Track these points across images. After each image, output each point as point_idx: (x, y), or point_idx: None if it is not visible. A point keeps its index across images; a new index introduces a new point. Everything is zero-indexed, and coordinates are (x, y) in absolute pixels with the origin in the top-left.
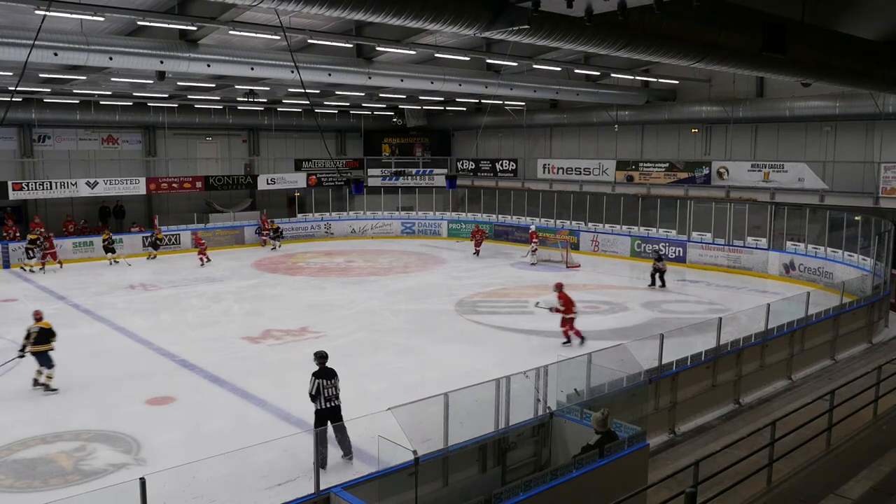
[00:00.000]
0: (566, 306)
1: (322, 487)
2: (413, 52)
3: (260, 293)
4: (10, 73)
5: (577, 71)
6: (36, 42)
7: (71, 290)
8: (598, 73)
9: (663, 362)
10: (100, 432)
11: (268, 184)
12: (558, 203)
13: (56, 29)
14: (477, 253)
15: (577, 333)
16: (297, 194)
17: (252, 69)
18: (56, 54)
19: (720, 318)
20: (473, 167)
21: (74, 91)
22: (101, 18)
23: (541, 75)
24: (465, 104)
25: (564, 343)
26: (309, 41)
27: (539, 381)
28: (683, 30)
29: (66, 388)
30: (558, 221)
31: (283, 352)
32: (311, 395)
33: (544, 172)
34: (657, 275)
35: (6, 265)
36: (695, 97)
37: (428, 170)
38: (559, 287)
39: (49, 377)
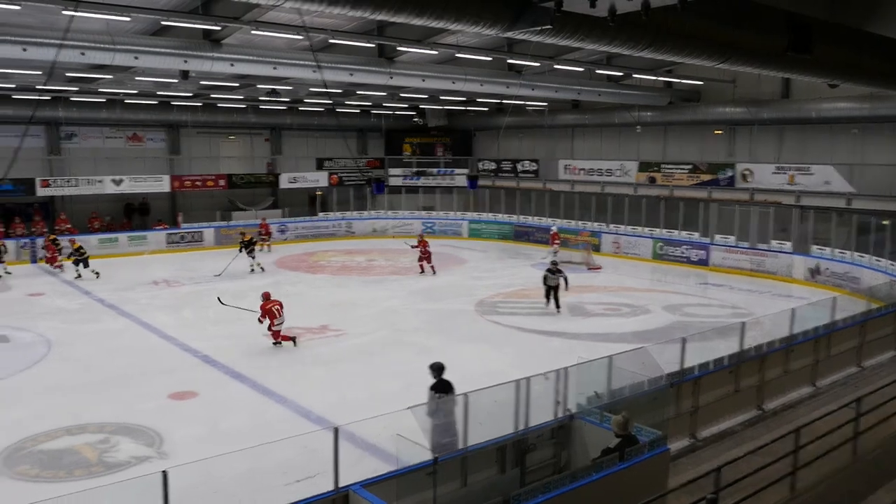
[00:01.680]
0: (269, 317)
1: (341, 484)
2: (434, 52)
3: (281, 291)
4: (39, 73)
5: (599, 71)
6: (63, 42)
7: (96, 286)
8: (620, 74)
9: (685, 366)
10: (123, 425)
11: (289, 182)
12: (579, 204)
13: (83, 29)
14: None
15: (282, 337)
16: (318, 193)
17: (274, 69)
18: (83, 54)
19: (743, 323)
20: (494, 167)
21: (100, 90)
22: (128, 18)
23: (562, 76)
24: (486, 104)
25: (275, 343)
26: (331, 41)
27: (559, 382)
28: (707, 30)
29: (91, 382)
30: (579, 223)
31: (303, 349)
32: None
33: (565, 173)
34: (552, 292)
35: (33, 260)
36: (719, 98)
37: (449, 170)
38: (266, 296)
39: None
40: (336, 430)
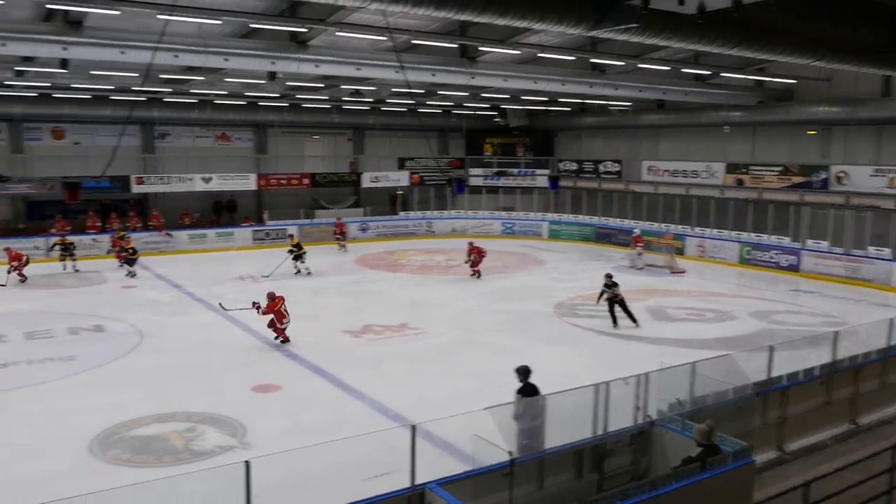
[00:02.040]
0: (277, 318)
1: (417, 482)
2: (517, 52)
3: (361, 289)
4: (136, 75)
5: (685, 70)
6: (159, 45)
7: (186, 280)
8: (708, 73)
9: (773, 375)
10: (209, 415)
11: (371, 182)
12: (663, 206)
13: (177, 32)
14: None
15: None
16: (399, 192)
17: (358, 69)
18: (177, 56)
19: (836, 332)
20: (576, 168)
21: (191, 91)
22: (219, 22)
23: (647, 75)
24: (568, 104)
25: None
26: (413, 42)
27: (639, 387)
28: (800, 26)
29: (180, 372)
30: (663, 225)
31: (382, 346)
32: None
33: (649, 174)
34: (618, 306)
35: None
36: (813, 97)
37: (529, 170)
38: (272, 296)
39: None
40: (413, 428)
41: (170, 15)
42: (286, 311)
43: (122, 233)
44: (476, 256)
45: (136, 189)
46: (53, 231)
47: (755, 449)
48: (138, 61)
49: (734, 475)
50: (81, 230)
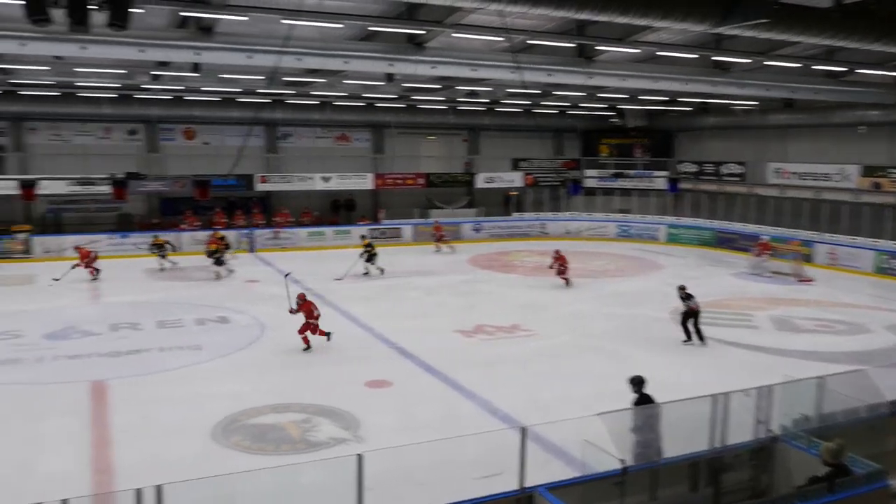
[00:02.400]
0: (307, 312)
1: (526, 485)
2: (636, 51)
3: (474, 289)
4: (261, 78)
5: (816, 67)
6: (283, 49)
7: (304, 276)
8: (842, 70)
9: None
10: (324, 407)
11: (485, 182)
12: (791, 210)
13: (300, 36)
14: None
15: (306, 340)
16: (513, 193)
17: (474, 70)
18: (300, 59)
19: None
20: (696, 170)
21: (312, 93)
22: (340, 25)
23: (775, 72)
24: (689, 103)
25: (305, 349)
26: (529, 42)
27: (762, 400)
28: None
29: (297, 364)
30: (789, 230)
31: (494, 347)
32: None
33: (775, 177)
34: (691, 320)
35: (252, 249)
36: None
37: (647, 172)
38: (303, 297)
39: None
40: (524, 430)
41: (294, 20)
42: (315, 308)
43: (221, 234)
44: (560, 265)
45: (260, 187)
46: (184, 226)
47: (891, 472)
48: (264, 64)
49: (866, 499)
50: (209, 226)
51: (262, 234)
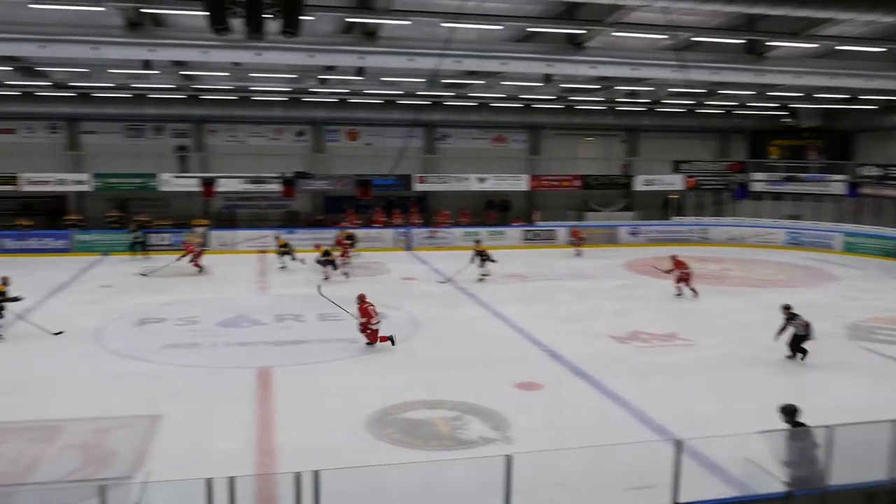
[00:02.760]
0: (366, 316)
1: (680, 500)
2: (813, 46)
3: (629, 294)
4: (422, 80)
5: None
6: (444, 52)
7: (458, 276)
8: None
9: None
10: (474, 406)
11: (644, 185)
12: None
13: (459, 39)
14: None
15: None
16: (673, 196)
17: (635, 69)
18: (459, 61)
19: None
20: (880, 174)
21: (470, 94)
22: (500, 27)
23: None
24: (872, 101)
25: (368, 343)
26: (694, 39)
27: None
28: None
29: (449, 362)
30: None
31: (649, 355)
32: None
33: None
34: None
35: (409, 248)
36: None
37: (822, 175)
38: (363, 297)
39: None
40: (679, 443)
41: (455, 22)
42: (375, 311)
43: (349, 231)
44: (681, 272)
45: (418, 187)
46: (345, 224)
47: None
48: (424, 67)
49: None
50: (368, 224)
51: (418, 232)
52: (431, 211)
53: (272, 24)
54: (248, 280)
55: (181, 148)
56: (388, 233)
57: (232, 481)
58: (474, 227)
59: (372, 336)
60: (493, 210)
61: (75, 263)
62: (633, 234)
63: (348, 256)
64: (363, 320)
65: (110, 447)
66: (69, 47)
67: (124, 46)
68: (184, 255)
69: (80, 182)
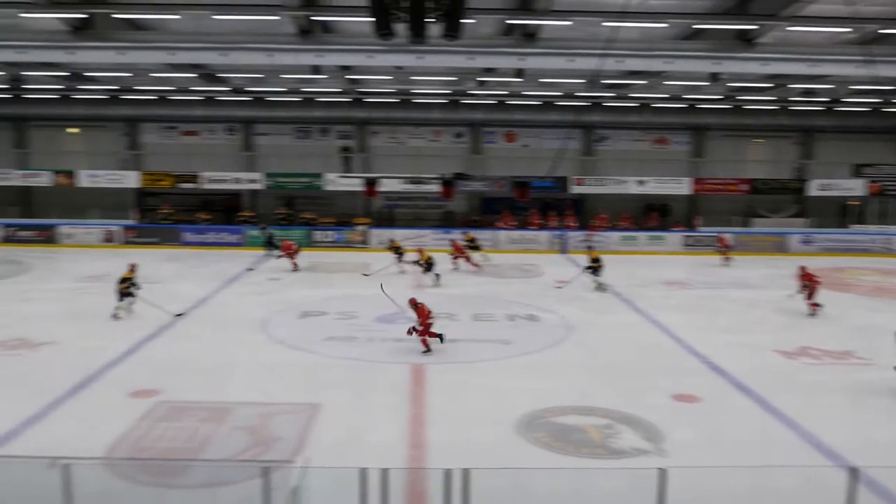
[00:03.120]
0: (421, 317)
1: None
2: None
3: (800, 306)
4: (581, 81)
5: None
6: (606, 52)
7: (614, 280)
8: None
9: None
10: (627, 415)
11: (819, 190)
12: None
13: (621, 38)
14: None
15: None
16: (853, 203)
17: (812, 66)
18: (621, 61)
19: None
20: None
21: (631, 95)
22: (664, 25)
23: None
24: None
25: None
26: (882, 31)
27: None
28: None
29: (601, 368)
30: None
31: (819, 373)
32: None
33: None
34: None
35: (563, 251)
36: None
37: None
38: (413, 302)
39: None
40: (854, 471)
41: (617, 21)
42: (430, 311)
43: (472, 234)
44: (809, 284)
45: (574, 189)
46: (500, 224)
47: None
48: (584, 68)
49: None
50: (524, 226)
51: (574, 235)
52: (587, 214)
53: (434, 28)
54: (405, 278)
55: (345, 149)
56: (544, 235)
57: (385, 473)
58: (631, 232)
59: (429, 336)
60: (653, 214)
61: (249, 257)
62: (806, 242)
63: (469, 260)
64: (428, 321)
65: (274, 431)
66: (247, 55)
67: (296, 52)
68: (283, 254)
69: (253, 181)
